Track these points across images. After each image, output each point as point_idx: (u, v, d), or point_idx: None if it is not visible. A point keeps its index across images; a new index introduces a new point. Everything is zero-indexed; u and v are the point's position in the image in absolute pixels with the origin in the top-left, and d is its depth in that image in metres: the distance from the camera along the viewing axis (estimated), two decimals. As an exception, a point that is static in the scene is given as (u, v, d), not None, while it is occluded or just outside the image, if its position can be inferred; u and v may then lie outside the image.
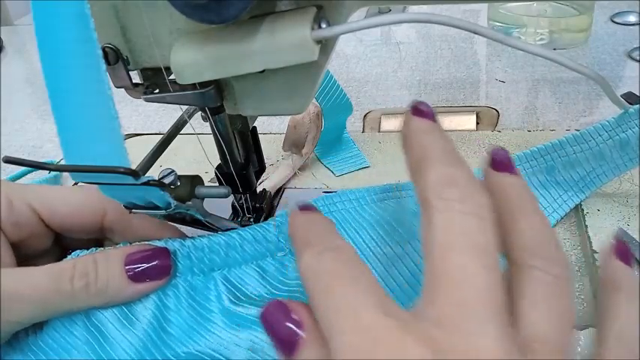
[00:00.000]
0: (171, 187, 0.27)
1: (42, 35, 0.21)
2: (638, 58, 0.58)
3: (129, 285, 0.26)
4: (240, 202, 0.35)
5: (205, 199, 0.29)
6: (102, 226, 0.29)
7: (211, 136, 0.30)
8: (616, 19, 0.68)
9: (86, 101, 0.22)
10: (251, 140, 0.32)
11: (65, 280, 0.24)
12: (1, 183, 0.27)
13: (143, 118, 0.57)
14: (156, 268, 0.26)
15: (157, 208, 0.26)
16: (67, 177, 0.46)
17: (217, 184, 0.32)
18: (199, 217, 0.29)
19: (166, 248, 0.27)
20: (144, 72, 0.27)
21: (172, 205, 0.26)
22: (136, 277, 0.26)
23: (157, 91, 0.27)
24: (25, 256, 0.28)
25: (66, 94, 0.22)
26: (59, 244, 0.30)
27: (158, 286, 0.26)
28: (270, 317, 0.19)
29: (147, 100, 0.27)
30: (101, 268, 0.25)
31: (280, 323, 0.19)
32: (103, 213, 0.29)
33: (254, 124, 0.33)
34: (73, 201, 0.28)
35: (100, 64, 0.21)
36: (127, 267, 0.26)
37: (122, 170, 0.23)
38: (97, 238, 0.30)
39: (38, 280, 0.24)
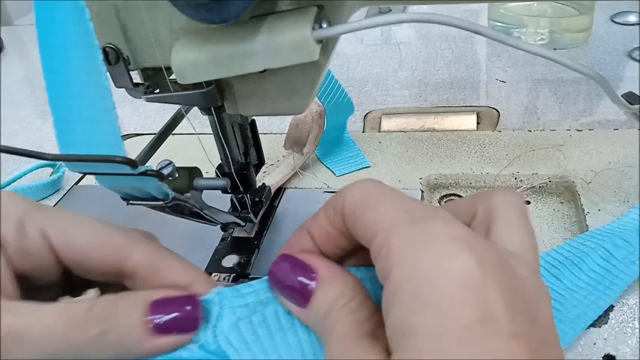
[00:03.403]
0: (169, 178, 0.27)
1: (41, 25, 0.21)
2: (638, 58, 0.58)
3: (149, 337, 0.21)
4: (239, 197, 0.35)
5: (204, 192, 0.29)
6: (123, 269, 0.24)
7: (211, 136, 0.30)
8: (616, 19, 0.68)
9: (83, 91, 0.22)
10: (250, 133, 0.32)
11: (79, 324, 0.20)
12: (16, 201, 0.23)
13: (143, 118, 0.57)
14: (183, 320, 0.21)
15: (155, 199, 0.26)
16: (67, 179, 0.46)
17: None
18: (198, 209, 0.29)
19: (195, 297, 0.22)
20: (144, 72, 0.27)
21: (170, 197, 0.26)
22: (159, 329, 0.21)
23: (157, 90, 0.27)
24: (26, 288, 0.23)
25: (63, 83, 0.22)
26: (69, 279, 0.25)
27: (183, 342, 0.21)
28: (278, 272, 0.21)
29: (147, 100, 0.27)
30: (122, 314, 0.21)
31: (290, 275, 0.20)
32: (128, 255, 0.23)
33: (252, 117, 0.33)
34: (94, 235, 0.23)
35: (97, 55, 0.21)
36: (149, 316, 0.21)
37: (119, 159, 0.23)
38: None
39: (48, 321, 0.20)
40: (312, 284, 0.20)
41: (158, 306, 0.21)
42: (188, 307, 0.22)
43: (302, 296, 0.20)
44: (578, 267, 0.29)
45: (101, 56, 0.21)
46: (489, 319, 0.16)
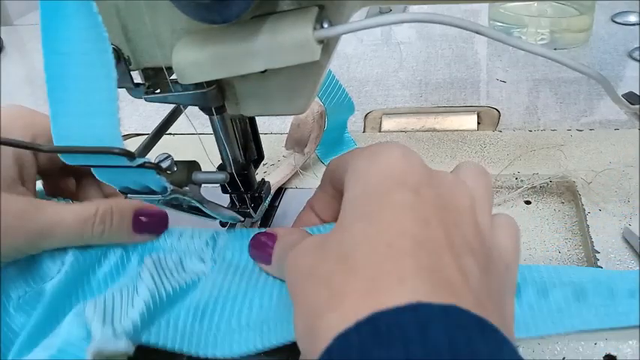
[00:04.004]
0: (168, 172, 0.26)
1: (46, 18, 0.21)
2: (638, 57, 0.58)
3: (132, 235, 0.30)
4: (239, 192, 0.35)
5: (204, 188, 0.29)
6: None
7: (212, 136, 0.30)
8: (616, 19, 0.68)
9: (87, 83, 0.22)
10: (249, 128, 0.32)
11: (89, 225, 0.28)
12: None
13: (143, 118, 0.57)
14: (155, 225, 0.31)
15: (153, 192, 0.26)
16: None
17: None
18: (196, 203, 0.29)
19: (166, 213, 0.31)
20: (145, 72, 0.27)
21: (169, 190, 0.26)
22: (139, 229, 0.30)
23: (158, 90, 0.27)
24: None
25: (66, 74, 0.22)
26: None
27: (150, 239, 0.31)
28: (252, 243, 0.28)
29: (148, 100, 0.27)
30: (116, 219, 0.29)
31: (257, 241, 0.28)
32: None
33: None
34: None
35: (107, 47, 0.21)
36: (134, 220, 0.30)
37: (117, 151, 0.22)
38: None
39: (69, 220, 0.27)
40: (271, 243, 0.27)
41: (140, 214, 0.30)
42: (160, 218, 0.31)
43: (266, 255, 0.27)
44: (543, 293, 0.28)
45: (110, 48, 0.21)
46: (402, 182, 0.20)
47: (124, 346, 0.24)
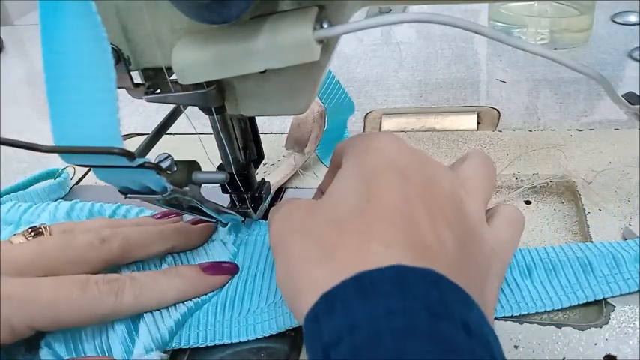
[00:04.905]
0: (168, 172, 0.26)
1: (46, 18, 0.21)
2: (638, 57, 0.58)
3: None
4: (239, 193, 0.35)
5: (204, 188, 0.29)
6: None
7: (212, 136, 0.30)
8: (616, 19, 0.68)
9: (87, 83, 0.22)
10: (249, 128, 0.32)
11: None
12: (1, 300, 0.25)
13: (144, 118, 0.57)
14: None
15: (152, 193, 0.26)
16: (74, 182, 0.46)
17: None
18: (197, 203, 0.29)
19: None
20: (145, 72, 0.27)
21: (169, 190, 0.26)
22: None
23: (158, 91, 0.27)
24: None
25: (66, 74, 0.22)
26: None
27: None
28: None
29: (148, 100, 0.27)
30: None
31: None
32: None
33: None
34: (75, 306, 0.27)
35: (106, 47, 0.21)
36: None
37: (117, 151, 0.22)
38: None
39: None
40: None
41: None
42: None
43: None
44: (553, 271, 0.30)
45: (110, 48, 0.21)
46: (392, 166, 0.23)
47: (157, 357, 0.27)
